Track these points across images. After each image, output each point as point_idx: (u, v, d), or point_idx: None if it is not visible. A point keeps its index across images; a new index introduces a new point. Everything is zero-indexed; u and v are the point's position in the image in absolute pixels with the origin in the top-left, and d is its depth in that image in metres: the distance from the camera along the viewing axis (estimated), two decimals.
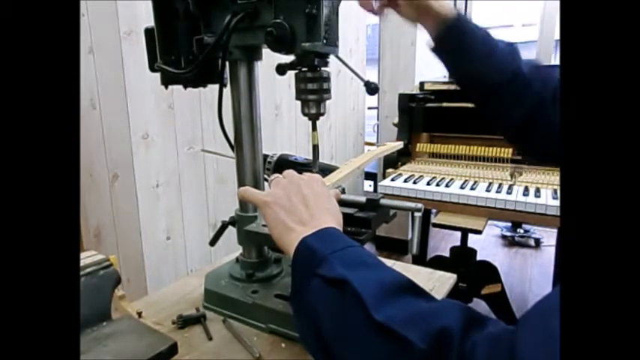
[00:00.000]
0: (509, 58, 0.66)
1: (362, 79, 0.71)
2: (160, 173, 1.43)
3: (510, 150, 1.80)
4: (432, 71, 2.82)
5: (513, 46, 0.67)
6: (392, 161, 1.96)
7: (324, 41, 0.61)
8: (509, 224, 3.25)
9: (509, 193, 1.60)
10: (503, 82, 0.65)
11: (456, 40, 0.66)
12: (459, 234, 1.90)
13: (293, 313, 0.47)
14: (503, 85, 0.65)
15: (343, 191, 0.72)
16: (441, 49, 0.68)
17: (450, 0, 2.98)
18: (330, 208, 0.53)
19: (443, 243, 3.11)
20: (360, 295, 0.38)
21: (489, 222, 1.68)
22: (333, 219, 0.51)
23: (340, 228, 0.51)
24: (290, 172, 0.58)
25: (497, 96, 0.67)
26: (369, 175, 2.99)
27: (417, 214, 0.65)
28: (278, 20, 0.61)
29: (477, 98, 0.72)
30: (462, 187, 1.66)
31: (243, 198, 0.57)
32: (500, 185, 1.67)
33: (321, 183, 0.57)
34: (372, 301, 0.37)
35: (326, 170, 0.87)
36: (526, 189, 1.61)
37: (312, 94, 0.65)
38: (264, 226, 0.71)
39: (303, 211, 0.51)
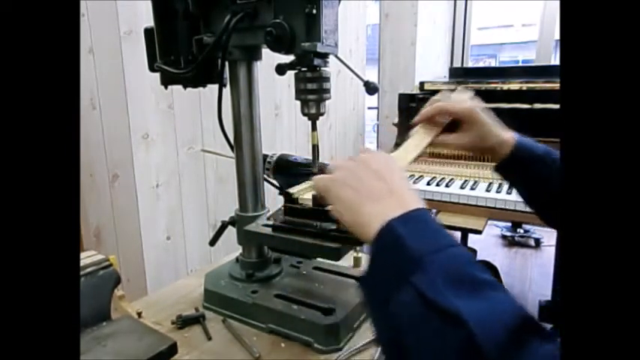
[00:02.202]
0: None
1: (362, 79, 0.71)
2: (160, 173, 1.43)
3: None
4: (432, 71, 2.83)
5: None
6: None
7: (324, 41, 0.61)
8: (509, 224, 3.24)
9: (509, 193, 1.60)
10: None
11: (519, 168, 0.66)
12: (459, 234, 1.90)
13: (367, 307, 0.39)
14: None
15: None
16: (505, 174, 0.69)
17: (450, 0, 2.99)
18: (409, 185, 0.44)
19: None
20: (481, 350, 0.29)
21: (489, 222, 1.67)
22: (417, 196, 0.43)
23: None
24: (351, 157, 0.49)
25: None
26: None
27: None
28: (278, 20, 0.61)
29: (539, 206, 0.71)
30: (462, 187, 1.66)
31: (316, 190, 0.50)
32: (500, 185, 1.67)
33: (391, 159, 0.48)
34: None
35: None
36: None
37: (312, 94, 0.65)
38: (265, 225, 0.71)
39: (378, 185, 0.42)
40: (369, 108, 2.99)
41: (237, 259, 0.83)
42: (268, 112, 1.88)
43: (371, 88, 0.70)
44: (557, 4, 2.48)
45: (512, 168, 0.67)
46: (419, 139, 0.67)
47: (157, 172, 1.42)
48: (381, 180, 0.43)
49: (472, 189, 1.64)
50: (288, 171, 0.88)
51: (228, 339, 0.70)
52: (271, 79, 1.47)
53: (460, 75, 2.18)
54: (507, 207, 1.54)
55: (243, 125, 0.75)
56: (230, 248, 0.92)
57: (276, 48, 0.63)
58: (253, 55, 0.73)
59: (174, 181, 1.48)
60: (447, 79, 2.11)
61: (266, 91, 1.81)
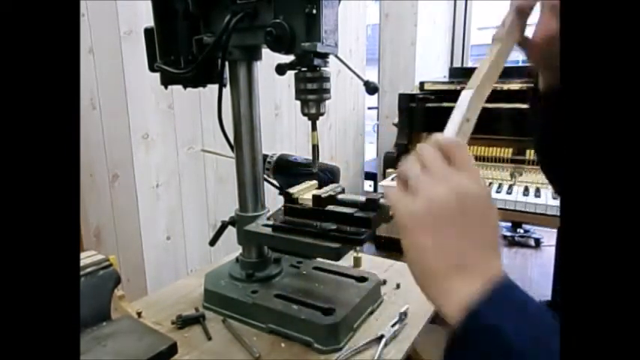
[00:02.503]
0: None
1: (362, 79, 0.71)
2: (160, 173, 1.43)
3: (510, 150, 1.80)
4: (432, 71, 2.83)
5: None
6: (392, 161, 1.95)
7: (324, 41, 0.61)
8: (509, 224, 3.24)
9: (509, 193, 1.60)
10: None
11: None
12: None
13: None
14: None
15: (343, 191, 0.72)
16: (550, 102, 0.53)
17: (450, 0, 2.99)
18: (496, 237, 0.36)
19: None
20: None
21: None
22: (499, 254, 0.36)
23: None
24: (436, 166, 0.36)
25: None
26: (369, 175, 2.98)
27: None
28: (278, 20, 0.61)
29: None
30: None
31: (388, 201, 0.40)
32: (500, 185, 1.67)
33: (490, 201, 0.37)
34: None
35: (326, 170, 0.87)
36: (526, 189, 1.61)
37: (312, 94, 0.65)
38: (265, 225, 0.71)
39: (465, 252, 0.35)
40: (369, 108, 2.99)
41: (237, 259, 0.83)
42: (268, 112, 1.88)
43: (371, 88, 0.70)
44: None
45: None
46: (507, 43, 0.49)
47: (157, 172, 1.42)
48: (472, 239, 0.35)
49: None
50: (288, 171, 0.88)
51: (228, 339, 0.70)
52: (271, 79, 1.47)
53: (460, 75, 2.18)
54: (507, 207, 1.54)
55: (243, 125, 0.75)
56: (230, 248, 0.92)
57: (276, 48, 0.63)
58: (253, 55, 0.73)
59: (174, 181, 1.48)
60: (447, 79, 2.11)
61: (266, 91, 1.81)
